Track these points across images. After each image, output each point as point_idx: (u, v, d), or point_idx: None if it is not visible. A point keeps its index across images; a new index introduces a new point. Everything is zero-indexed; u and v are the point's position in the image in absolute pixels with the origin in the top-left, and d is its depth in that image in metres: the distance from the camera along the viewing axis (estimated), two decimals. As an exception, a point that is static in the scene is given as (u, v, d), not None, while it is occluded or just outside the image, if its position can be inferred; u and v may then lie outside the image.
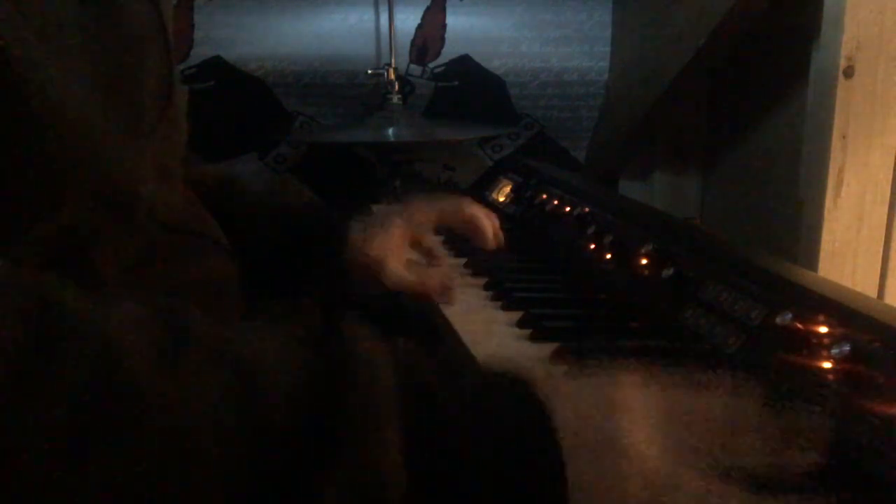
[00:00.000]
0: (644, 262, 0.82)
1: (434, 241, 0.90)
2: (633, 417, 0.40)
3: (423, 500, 0.35)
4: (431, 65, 1.77)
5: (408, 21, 1.74)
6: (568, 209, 1.06)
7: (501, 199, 1.30)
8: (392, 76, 1.63)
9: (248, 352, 0.37)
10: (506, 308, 0.82)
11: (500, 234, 0.92)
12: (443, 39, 1.76)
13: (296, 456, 0.34)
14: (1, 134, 0.45)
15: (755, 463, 0.42)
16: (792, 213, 1.21)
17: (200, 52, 1.69)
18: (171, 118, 0.60)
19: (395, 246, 0.83)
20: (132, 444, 0.32)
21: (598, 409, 0.40)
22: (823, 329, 0.58)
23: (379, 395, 0.36)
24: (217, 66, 1.71)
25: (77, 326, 0.34)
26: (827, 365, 0.56)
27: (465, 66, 1.76)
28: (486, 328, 0.76)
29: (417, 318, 0.81)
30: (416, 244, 0.88)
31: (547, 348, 0.68)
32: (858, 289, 1.00)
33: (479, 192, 1.40)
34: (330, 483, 0.34)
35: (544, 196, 1.15)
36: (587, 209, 1.01)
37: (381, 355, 0.39)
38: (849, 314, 0.57)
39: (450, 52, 1.76)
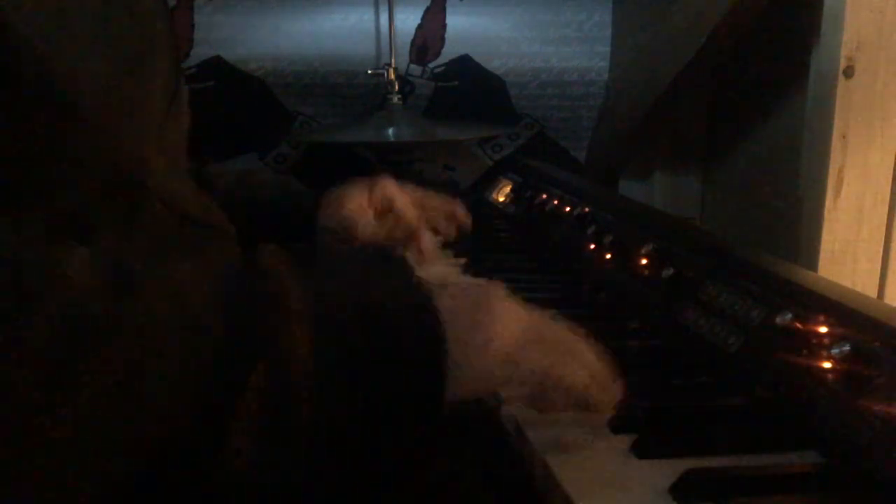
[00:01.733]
0: (644, 262, 0.82)
1: (403, 203, 0.88)
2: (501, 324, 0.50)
3: (330, 387, 0.44)
4: (431, 65, 1.77)
5: (408, 21, 1.74)
6: (568, 209, 1.06)
7: (501, 199, 1.30)
8: (392, 76, 1.63)
9: (182, 282, 0.44)
10: (506, 308, 0.81)
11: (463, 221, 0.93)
12: (443, 39, 1.76)
13: (225, 355, 0.42)
14: (17, 116, 0.45)
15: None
16: (792, 213, 1.21)
17: (200, 52, 1.69)
18: (178, 109, 0.61)
19: (362, 207, 0.85)
20: (98, 366, 0.38)
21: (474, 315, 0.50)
22: (823, 329, 0.58)
23: (288, 301, 0.45)
24: (217, 66, 1.71)
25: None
26: (827, 365, 0.56)
27: (465, 66, 1.76)
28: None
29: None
30: (384, 211, 0.88)
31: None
32: (858, 289, 1.00)
33: (479, 192, 1.40)
34: (255, 374, 0.42)
35: (544, 196, 1.15)
36: (587, 209, 1.01)
37: (288, 270, 0.48)
38: (849, 314, 0.57)
39: (450, 52, 1.76)
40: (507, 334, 0.50)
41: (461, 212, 0.93)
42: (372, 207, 0.86)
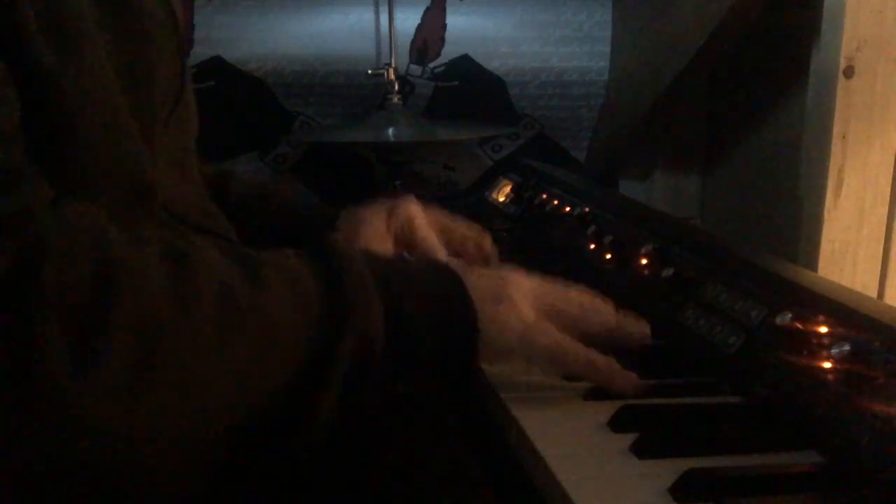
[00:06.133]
0: (644, 262, 0.82)
1: (425, 231, 0.80)
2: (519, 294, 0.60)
3: (398, 340, 0.53)
4: (431, 65, 1.77)
5: (408, 21, 1.74)
6: (568, 209, 1.06)
7: (501, 199, 1.30)
8: (392, 76, 1.63)
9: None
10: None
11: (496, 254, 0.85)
12: (443, 39, 1.76)
13: (318, 328, 0.49)
14: (36, 125, 0.45)
15: None
16: (792, 213, 1.21)
17: (200, 52, 1.69)
18: (184, 113, 0.61)
19: (380, 233, 0.79)
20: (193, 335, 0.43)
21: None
22: (823, 329, 0.58)
23: (363, 277, 0.52)
24: (217, 66, 1.71)
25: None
26: (827, 365, 0.56)
27: (465, 66, 1.76)
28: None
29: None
30: (404, 239, 0.81)
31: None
32: (858, 289, 1.00)
33: (479, 191, 1.40)
34: (342, 345, 0.49)
35: (544, 196, 1.15)
36: (587, 209, 1.01)
37: (358, 255, 0.55)
38: (849, 314, 0.57)
39: (450, 52, 1.76)
40: (527, 310, 0.59)
41: (489, 245, 0.84)
42: (391, 234, 0.79)
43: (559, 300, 0.63)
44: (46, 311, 0.38)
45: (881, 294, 1.13)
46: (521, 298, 0.60)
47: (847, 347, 0.55)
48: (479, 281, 0.59)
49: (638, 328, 0.67)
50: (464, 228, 0.83)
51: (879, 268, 1.12)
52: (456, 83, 1.77)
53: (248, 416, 0.46)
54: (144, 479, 0.43)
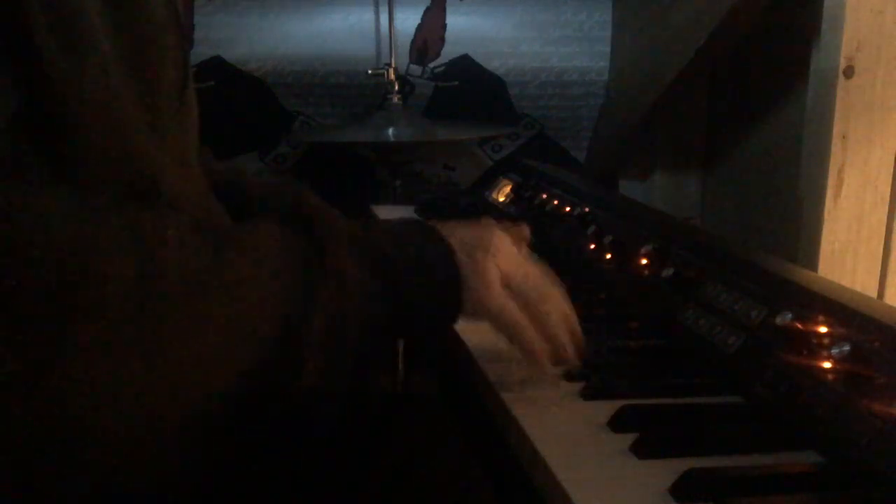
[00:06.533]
0: (644, 262, 0.82)
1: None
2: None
3: (373, 300, 0.53)
4: (431, 65, 1.77)
5: (408, 21, 1.74)
6: (568, 209, 1.06)
7: (501, 199, 1.30)
8: (392, 76, 1.64)
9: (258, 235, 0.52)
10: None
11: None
12: (443, 39, 1.76)
13: (297, 287, 0.49)
14: (42, 124, 0.45)
15: None
16: (792, 213, 1.21)
17: (200, 52, 1.69)
18: (186, 110, 0.61)
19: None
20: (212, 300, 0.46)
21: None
22: (823, 329, 0.58)
23: (337, 231, 0.54)
24: (217, 66, 1.71)
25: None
26: (827, 365, 0.56)
27: (465, 67, 1.76)
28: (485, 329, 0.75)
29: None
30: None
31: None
32: (858, 289, 1.00)
33: (479, 192, 1.40)
34: (320, 300, 0.50)
35: (544, 196, 1.15)
36: (587, 209, 1.01)
37: (329, 209, 0.57)
38: (849, 314, 0.57)
39: (450, 52, 1.76)
40: (502, 271, 0.60)
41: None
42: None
43: (523, 277, 0.63)
44: (7, 304, 0.38)
45: (881, 294, 1.13)
46: (496, 253, 0.61)
47: (847, 347, 0.55)
48: (456, 228, 0.61)
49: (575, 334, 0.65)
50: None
51: (879, 268, 1.12)
52: (456, 83, 1.77)
53: (227, 390, 0.46)
54: (118, 464, 0.43)
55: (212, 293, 0.46)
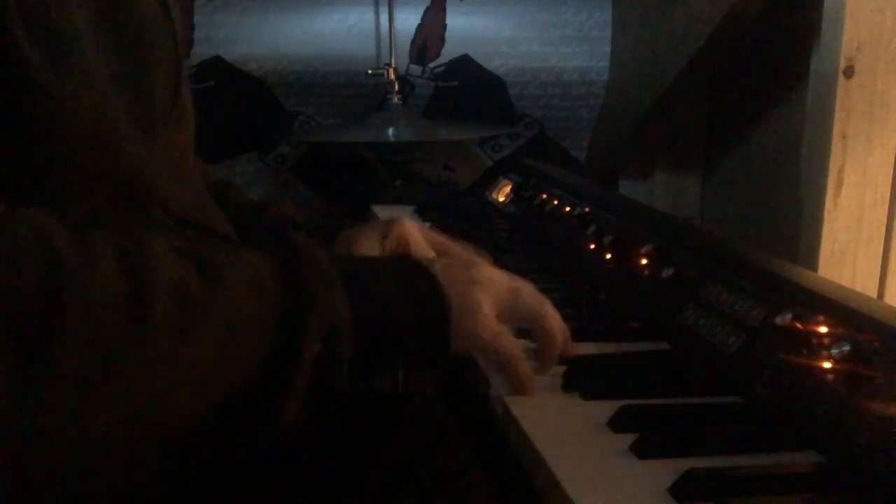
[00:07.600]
0: (644, 262, 0.82)
1: (421, 253, 0.79)
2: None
3: (368, 322, 0.53)
4: (431, 65, 1.77)
5: (408, 21, 1.74)
6: (568, 209, 1.06)
7: (501, 199, 1.30)
8: (392, 76, 1.64)
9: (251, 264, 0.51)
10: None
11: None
12: (443, 39, 1.76)
13: (286, 324, 0.49)
14: (26, 132, 0.46)
15: None
16: (792, 213, 1.21)
17: (200, 52, 1.70)
18: (181, 113, 0.61)
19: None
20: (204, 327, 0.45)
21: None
22: (823, 329, 0.58)
23: (322, 266, 0.52)
24: (217, 66, 1.71)
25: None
26: (827, 365, 0.56)
27: (465, 66, 1.76)
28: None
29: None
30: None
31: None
32: (858, 289, 1.00)
33: (479, 191, 1.40)
34: (307, 345, 0.48)
35: (544, 196, 1.15)
36: (587, 209, 1.01)
37: (320, 248, 0.54)
38: (849, 314, 0.57)
39: (450, 52, 1.76)
40: (492, 301, 0.60)
41: None
42: (387, 255, 0.78)
43: (514, 304, 0.63)
44: None
45: (881, 294, 1.13)
46: (486, 287, 0.61)
47: (847, 347, 0.55)
48: (445, 267, 0.60)
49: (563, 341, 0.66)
50: (458, 249, 0.82)
51: (879, 268, 1.12)
52: (456, 83, 1.77)
53: (209, 416, 0.46)
54: (99, 481, 0.43)
55: (200, 314, 0.45)
